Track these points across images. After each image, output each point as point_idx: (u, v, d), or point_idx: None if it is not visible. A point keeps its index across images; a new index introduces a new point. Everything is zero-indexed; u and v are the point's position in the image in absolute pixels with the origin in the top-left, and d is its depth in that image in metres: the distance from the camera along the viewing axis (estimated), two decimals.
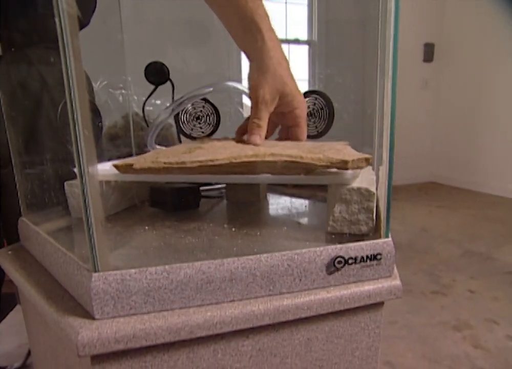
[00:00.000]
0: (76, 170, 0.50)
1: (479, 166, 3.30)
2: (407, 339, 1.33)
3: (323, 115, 0.65)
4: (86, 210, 0.29)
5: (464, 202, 3.03)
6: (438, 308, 1.53)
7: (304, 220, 0.52)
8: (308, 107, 0.66)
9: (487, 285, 1.69)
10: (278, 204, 0.60)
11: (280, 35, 2.82)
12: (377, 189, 0.42)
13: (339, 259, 0.34)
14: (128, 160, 0.47)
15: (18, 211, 0.56)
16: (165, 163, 0.44)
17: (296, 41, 2.91)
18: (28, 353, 1.18)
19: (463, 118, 3.43)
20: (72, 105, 0.27)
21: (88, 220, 0.29)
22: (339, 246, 0.35)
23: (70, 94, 0.27)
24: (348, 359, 0.38)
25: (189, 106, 0.68)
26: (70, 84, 0.26)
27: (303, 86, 2.93)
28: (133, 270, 0.30)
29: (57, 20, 0.25)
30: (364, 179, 0.46)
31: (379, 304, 0.38)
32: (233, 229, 0.45)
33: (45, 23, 0.59)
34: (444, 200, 3.08)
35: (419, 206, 2.97)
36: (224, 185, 0.66)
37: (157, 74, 0.69)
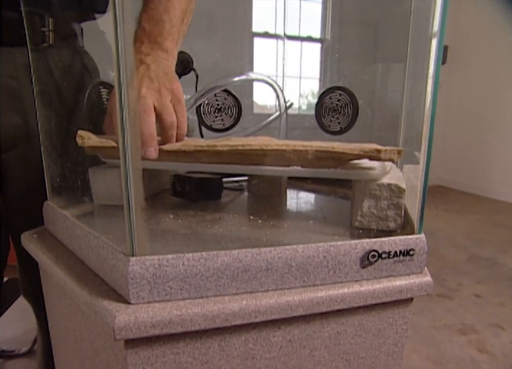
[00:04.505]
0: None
1: (487, 172, 3.29)
2: (413, 340, 1.33)
3: (347, 111, 0.64)
4: (128, 194, 0.29)
5: (471, 206, 3.02)
6: (444, 311, 1.52)
7: (327, 215, 0.52)
8: (332, 103, 0.66)
9: (494, 290, 1.68)
10: (299, 198, 0.60)
11: (293, 32, 2.80)
12: None
13: (373, 253, 0.34)
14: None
15: (22, 198, 0.55)
16: (195, 146, 0.44)
17: (309, 39, 2.90)
18: (35, 339, 1.19)
19: (473, 123, 3.41)
20: (120, 84, 0.27)
21: (129, 204, 0.29)
22: (373, 240, 0.35)
23: (119, 74, 0.26)
24: (375, 354, 0.38)
25: (211, 98, 0.68)
26: (121, 65, 0.26)
27: (315, 84, 2.92)
28: (170, 256, 0.30)
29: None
30: (392, 175, 0.45)
31: (408, 300, 0.37)
32: (259, 221, 0.45)
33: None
34: (452, 204, 3.07)
35: (426, 209, 2.95)
36: (245, 178, 0.66)
37: (181, 64, 0.69)
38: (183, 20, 0.51)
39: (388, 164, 0.47)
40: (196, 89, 0.69)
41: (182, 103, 0.48)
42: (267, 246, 0.33)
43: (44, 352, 0.67)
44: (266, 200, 0.56)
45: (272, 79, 0.65)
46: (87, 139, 0.45)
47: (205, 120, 0.69)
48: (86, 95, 0.55)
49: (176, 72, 0.69)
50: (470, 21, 3.32)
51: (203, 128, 0.69)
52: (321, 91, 0.67)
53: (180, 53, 0.69)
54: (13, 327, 1.31)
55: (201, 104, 0.67)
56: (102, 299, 0.31)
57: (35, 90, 0.47)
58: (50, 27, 0.53)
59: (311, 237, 0.39)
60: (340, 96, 0.64)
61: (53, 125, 0.50)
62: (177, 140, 0.49)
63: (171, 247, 0.36)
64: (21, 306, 1.34)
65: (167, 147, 0.46)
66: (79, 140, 0.45)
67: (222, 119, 0.70)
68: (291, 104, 0.70)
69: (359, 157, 0.41)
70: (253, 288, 0.32)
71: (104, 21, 0.64)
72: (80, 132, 0.46)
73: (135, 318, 0.29)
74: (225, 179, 0.65)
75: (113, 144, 0.45)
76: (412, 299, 0.37)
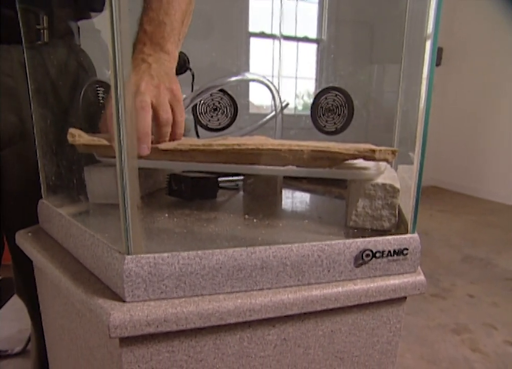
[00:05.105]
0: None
1: (482, 173, 3.31)
2: (406, 340, 1.34)
3: (342, 111, 0.65)
4: (123, 192, 0.29)
5: (465, 207, 3.04)
6: (437, 311, 1.53)
7: (322, 215, 0.53)
8: (328, 103, 0.66)
9: (487, 291, 1.69)
10: (295, 198, 0.60)
11: (290, 32, 2.81)
12: None
13: (367, 252, 0.35)
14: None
15: (17, 196, 0.55)
16: (191, 145, 0.44)
17: (305, 39, 2.90)
18: (29, 339, 1.18)
19: (467, 124, 3.43)
20: (116, 83, 0.27)
21: (124, 202, 0.29)
22: (367, 239, 0.35)
23: (116, 73, 0.26)
24: (368, 352, 0.38)
25: (207, 97, 0.68)
26: (117, 64, 0.26)
27: (310, 84, 2.93)
28: (166, 254, 0.30)
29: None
30: (386, 176, 0.46)
31: (402, 299, 0.38)
32: (255, 220, 0.45)
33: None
34: (446, 205, 3.09)
35: (420, 209, 2.97)
36: (240, 177, 0.66)
37: (177, 64, 0.69)
38: (183, 22, 0.52)
39: (383, 164, 0.47)
40: (192, 88, 0.69)
41: (181, 103, 0.48)
42: (262, 245, 0.33)
43: (38, 351, 0.67)
44: (262, 199, 0.57)
45: (268, 79, 0.66)
46: (78, 136, 0.45)
47: (200, 120, 0.69)
48: (82, 93, 0.55)
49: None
50: (465, 23, 3.35)
51: (199, 127, 0.69)
52: (317, 92, 0.67)
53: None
54: (6, 326, 1.31)
55: (197, 103, 0.67)
56: (97, 297, 0.31)
57: (30, 88, 0.47)
58: (45, 25, 0.53)
59: (306, 236, 0.39)
60: (336, 96, 0.65)
61: (48, 123, 0.50)
62: (175, 139, 0.49)
63: (167, 246, 0.36)
64: (15, 305, 1.34)
65: (163, 146, 0.46)
66: (69, 138, 0.45)
67: (218, 119, 0.70)
68: (287, 104, 0.70)
69: (354, 157, 0.42)
70: (248, 286, 0.32)
71: (100, 20, 0.64)
72: (70, 130, 0.46)
73: (131, 316, 0.29)
74: (220, 178, 0.66)
75: (105, 142, 0.45)
76: (405, 297, 0.38)
